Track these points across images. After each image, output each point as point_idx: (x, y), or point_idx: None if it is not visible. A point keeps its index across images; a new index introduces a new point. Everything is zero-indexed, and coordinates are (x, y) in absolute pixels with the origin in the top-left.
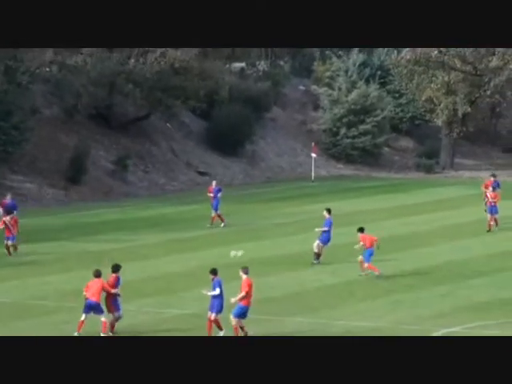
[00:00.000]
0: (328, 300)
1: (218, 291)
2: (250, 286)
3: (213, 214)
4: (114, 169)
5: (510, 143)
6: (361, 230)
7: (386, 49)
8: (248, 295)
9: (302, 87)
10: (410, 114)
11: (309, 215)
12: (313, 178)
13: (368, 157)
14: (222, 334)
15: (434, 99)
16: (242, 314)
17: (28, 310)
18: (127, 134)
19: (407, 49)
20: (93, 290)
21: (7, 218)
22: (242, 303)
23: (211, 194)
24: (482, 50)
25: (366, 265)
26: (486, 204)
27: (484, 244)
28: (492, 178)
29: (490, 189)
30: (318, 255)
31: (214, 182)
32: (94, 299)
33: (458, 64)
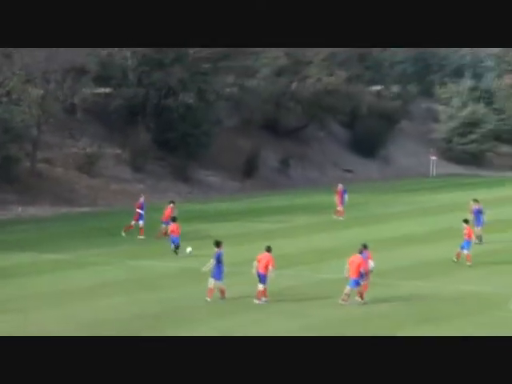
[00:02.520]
0: (440, 269)
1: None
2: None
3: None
4: (279, 167)
5: None
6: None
7: (491, 76)
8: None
9: (424, 105)
10: (509, 127)
11: (429, 204)
12: (433, 174)
13: (476, 159)
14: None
15: None
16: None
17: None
18: (290, 140)
19: (509, 75)
20: (262, 263)
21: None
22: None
23: (139, 210)
24: None
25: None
26: None
27: None
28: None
29: None
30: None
31: (141, 198)
32: (261, 271)
33: None
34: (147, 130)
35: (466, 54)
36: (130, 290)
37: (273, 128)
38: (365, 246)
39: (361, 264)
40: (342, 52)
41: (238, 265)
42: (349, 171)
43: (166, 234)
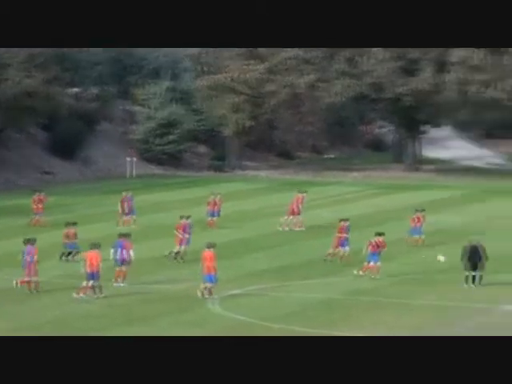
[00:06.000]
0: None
1: None
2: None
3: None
4: None
5: (282, 150)
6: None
7: (189, 76)
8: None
9: (123, 107)
10: (208, 127)
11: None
12: (134, 175)
13: (174, 160)
14: None
15: (227, 115)
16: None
17: None
18: None
19: (206, 76)
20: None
21: None
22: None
23: None
24: (264, 77)
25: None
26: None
27: (264, 226)
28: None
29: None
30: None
31: None
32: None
33: (244, 89)
34: None
35: (163, 54)
36: None
37: None
38: (125, 235)
39: (211, 259)
40: (40, 54)
41: None
42: (48, 173)
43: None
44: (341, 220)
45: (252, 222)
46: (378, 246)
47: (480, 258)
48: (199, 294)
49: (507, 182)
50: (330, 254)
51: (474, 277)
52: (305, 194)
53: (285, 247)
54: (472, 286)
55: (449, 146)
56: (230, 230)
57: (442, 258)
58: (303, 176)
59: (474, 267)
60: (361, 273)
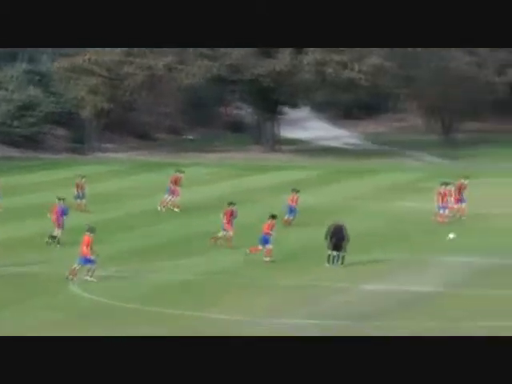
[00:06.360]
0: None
1: None
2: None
3: None
4: None
5: (141, 131)
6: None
7: (47, 59)
8: None
9: None
10: (66, 109)
11: None
12: None
13: (32, 142)
14: None
15: (85, 97)
16: None
17: None
18: None
19: (64, 58)
20: None
21: None
22: None
23: None
24: (122, 59)
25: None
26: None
27: (127, 207)
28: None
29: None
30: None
31: None
32: None
33: (102, 71)
34: None
35: None
36: None
37: None
38: None
39: (87, 242)
40: None
41: None
42: None
43: None
44: (230, 203)
45: (115, 203)
46: (270, 228)
47: (343, 238)
48: (67, 274)
49: (362, 162)
50: (218, 237)
51: (336, 256)
52: (182, 175)
53: (148, 228)
54: (333, 265)
55: (307, 126)
56: (94, 212)
57: (451, 236)
58: (162, 157)
59: (338, 247)
60: (252, 252)
